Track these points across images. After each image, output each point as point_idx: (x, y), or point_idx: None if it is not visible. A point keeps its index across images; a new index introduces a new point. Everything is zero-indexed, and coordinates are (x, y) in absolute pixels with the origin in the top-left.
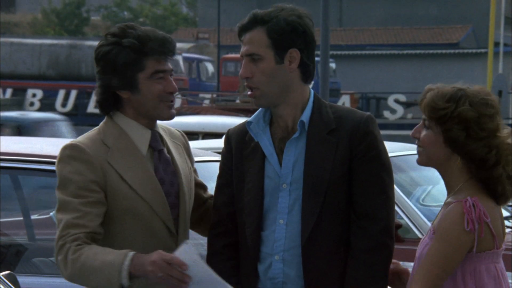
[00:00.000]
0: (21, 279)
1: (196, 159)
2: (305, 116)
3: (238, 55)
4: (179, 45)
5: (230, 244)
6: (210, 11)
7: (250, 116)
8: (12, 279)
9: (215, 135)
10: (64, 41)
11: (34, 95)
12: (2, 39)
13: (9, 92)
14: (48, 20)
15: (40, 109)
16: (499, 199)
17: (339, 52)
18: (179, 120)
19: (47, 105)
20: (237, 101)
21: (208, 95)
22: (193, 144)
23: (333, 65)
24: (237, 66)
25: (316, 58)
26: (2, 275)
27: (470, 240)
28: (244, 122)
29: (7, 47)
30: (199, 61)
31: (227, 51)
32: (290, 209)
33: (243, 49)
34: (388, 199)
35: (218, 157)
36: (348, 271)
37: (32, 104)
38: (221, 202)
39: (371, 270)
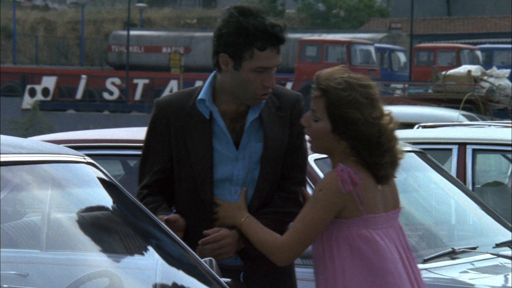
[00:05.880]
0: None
1: None
2: None
3: (431, 45)
4: (371, 35)
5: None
6: (403, 0)
7: (442, 107)
8: (212, 264)
9: (407, 125)
10: None
11: None
12: (204, 34)
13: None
14: None
15: None
16: (380, 181)
17: None
18: None
19: None
20: (430, 90)
21: (400, 85)
22: None
23: None
24: (429, 55)
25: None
26: (203, 261)
27: (344, 202)
28: (175, 95)
29: (208, 41)
30: (391, 51)
31: (420, 41)
32: (243, 181)
33: (277, 60)
34: (306, 168)
35: (411, 147)
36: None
37: None
38: (156, 168)
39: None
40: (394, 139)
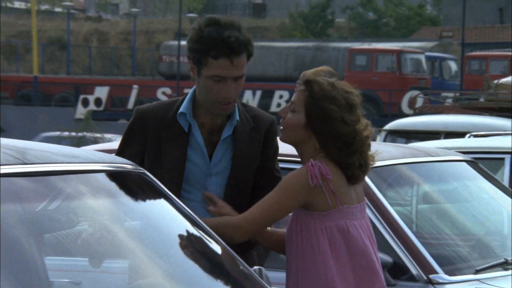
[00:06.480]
0: (270, 273)
1: (437, 158)
2: (237, 116)
3: (483, 53)
4: (422, 44)
5: None
6: (455, 9)
7: (494, 115)
8: (261, 273)
9: (458, 135)
10: (309, 44)
11: (281, 97)
12: (253, 43)
13: (258, 94)
14: (295, 24)
15: None
16: (349, 180)
17: None
18: (420, 119)
19: None
20: (481, 99)
21: (451, 94)
22: (435, 143)
23: None
24: (481, 64)
25: None
26: (253, 270)
27: (312, 195)
28: (156, 104)
29: (258, 51)
30: (442, 59)
31: (471, 49)
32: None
33: (234, 71)
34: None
35: (461, 157)
36: None
37: (279, 105)
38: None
39: None
40: (367, 146)
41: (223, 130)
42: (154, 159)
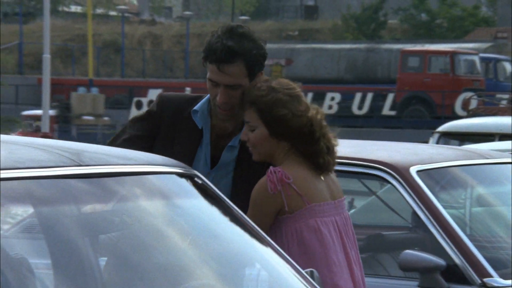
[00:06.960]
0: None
1: (491, 161)
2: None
3: None
4: (476, 45)
5: None
6: (510, 9)
7: None
8: (313, 275)
9: None
10: (361, 45)
11: (332, 99)
12: (305, 45)
13: (309, 96)
14: (347, 26)
15: (337, 112)
16: (322, 169)
17: None
18: (474, 121)
19: (344, 108)
20: None
21: (506, 96)
22: (489, 145)
23: None
24: None
25: None
26: (305, 271)
27: (277, 201)
28: (180, 96)
29: (309, 53)
30: (497, 61)
31: None
32: None
33: (223, 78)
34: None
35: None
36: None
37: (330, 107)
38: (124, 146)
39: None
40: (325, 127)
41: (233, 136)
42: (166, 148)
